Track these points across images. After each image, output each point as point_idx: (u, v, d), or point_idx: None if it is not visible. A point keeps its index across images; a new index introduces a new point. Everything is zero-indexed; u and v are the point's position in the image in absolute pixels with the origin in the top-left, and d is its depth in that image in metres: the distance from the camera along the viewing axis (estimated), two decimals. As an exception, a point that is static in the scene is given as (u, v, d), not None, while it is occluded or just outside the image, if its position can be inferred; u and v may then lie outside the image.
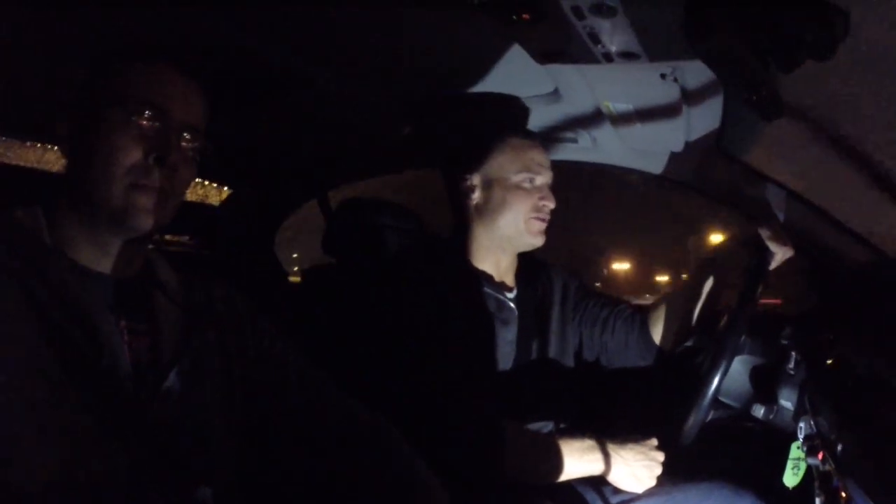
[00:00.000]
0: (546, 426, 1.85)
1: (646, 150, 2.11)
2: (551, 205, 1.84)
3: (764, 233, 1.68)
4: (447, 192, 1.94)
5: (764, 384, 1.72)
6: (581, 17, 1.21)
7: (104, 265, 1.19)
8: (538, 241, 1.85)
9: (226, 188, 2.71)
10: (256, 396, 1.35)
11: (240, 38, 1.43)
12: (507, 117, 1.91)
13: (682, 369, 1.90)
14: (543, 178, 1.85)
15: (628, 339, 1.95)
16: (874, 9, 0.90)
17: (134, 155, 1.14)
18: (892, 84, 1.12)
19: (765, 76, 1.00)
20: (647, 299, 2.68)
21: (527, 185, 1.82)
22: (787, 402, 1.65)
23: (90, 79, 1.20)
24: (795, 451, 1.56)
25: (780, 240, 1.68)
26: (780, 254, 1.68)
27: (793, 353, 1.66)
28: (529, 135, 1.90)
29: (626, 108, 1.76)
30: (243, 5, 1.31)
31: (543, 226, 1.84)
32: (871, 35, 0.95)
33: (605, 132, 2.00)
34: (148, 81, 1.17)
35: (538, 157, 1.85)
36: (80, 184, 1.15)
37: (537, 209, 1.82)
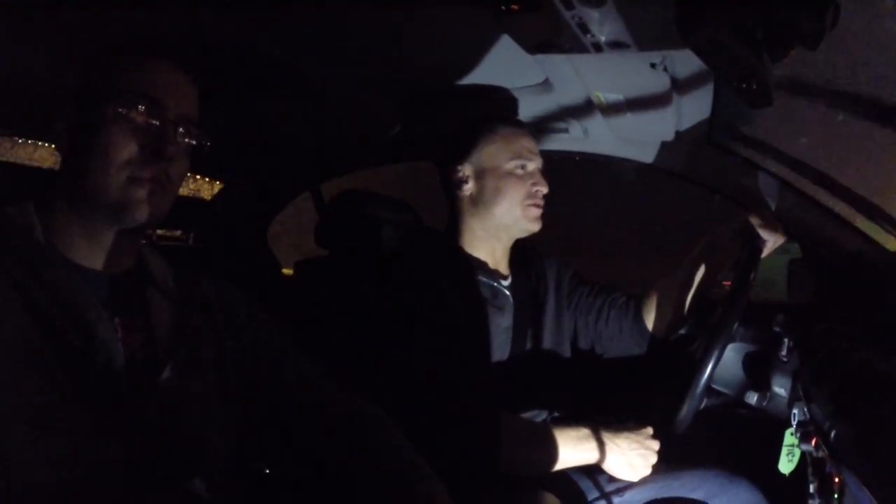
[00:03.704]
0: (541, 415, 1.86)
1: (637, 139, 2.11)
2: (544, 189, 1.85)
3: (756, 221, 1.69)
4: (441, 183, 1.94)
5: (757, 371, 1.73)
6: (570, 6, 1.22)
7: (98, 261, 1.19)
8: (535, 227, 1.86)
9: (218, 182, 2.71)
10: (251, 390, 1.35)
11: (233, 32, 1.42)
12: (496, 107, 1.91)
13: (676, 357, 1.91)
14: (535, 164, 1.86)
15: (622, 326, 1.96)
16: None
17: (130, 148, 1.14)
18: (882, 72, 1.12)
19: (755, 65, 1.00)
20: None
21: (519, 171, 1.83)
22: (780, 389, 1.66)
23: (85, 74, 1.20)
24: (789, 437, 1.56)
25: (772, 228, 1.68)
26: (771, 242, 1.69)
27: (785, 341, 1.67)
28: (518, 123, 1.91)
29: (616, 97, 1.76)
30: (237, 2, 1.30)
31: (540, 211, 1.85)
32: (858, 23, 0.95)
33: (595, 122, 2.00)
34: (142, 75, 1.17)
35: (528, 143, 1.86)
36: (76, 179, 1.15)
37: (531, 195, 1.83)
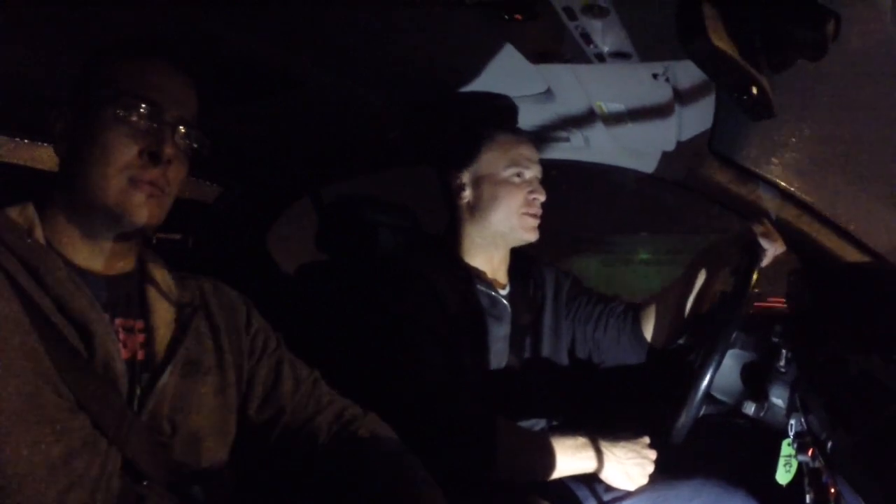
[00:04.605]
0: (538, 423, 1.86)
1: (638, 149, 2.11)
2: (542, 198, 1.85)
3: (756, 230, 1.69)
4: (440, 189, 1.94)
5: (755, 381, 1.73)
6: (573, 17, 1.22)
7: (98, 263, 1.19)
8: (531, 237, 1.86)
9: (218, 185, 2.71)
10: (250, 393, 1.35)
11: (233, 35, 1.43)
12: (495, 114, 1.91)
13: (673, 367, 1.91)
14: (532, 173, 1.86)
15: (620, 336, 1.96)
16: (863, 11, 0.91)
17: (129, 152, 1.14)
18: (882, 84, 1.12)
19: (755, 76, 1.01)
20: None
21: (516, 179, 1.83)
22: (777, 399, 1.66)
23: (83, 75, 1.20)
24: (786, 448, 1.57)
25: (772, 237, 1.69)
26: (771, 251, 1.69)
27: (783, 351, 1.67)
28: (516, 131, 1.91)
29: (618, 107, 1.77)
30: (236, 3, 1.31)
31: (536, 222, 1.85)
32: (860, 36, 0.95)
33: (597, 132, 2.00)
34: (141, 77, 1.17)
35: (526, 151, 1.85)
36: (75, 181, 1.15)
37: (528, 203, 1.83)
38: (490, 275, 1.89)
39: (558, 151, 2.23)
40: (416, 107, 1.95)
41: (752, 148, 1.77)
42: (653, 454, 1.71)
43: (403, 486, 1.26)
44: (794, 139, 1.49)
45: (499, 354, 1.82)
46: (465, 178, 1.86)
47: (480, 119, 1.90)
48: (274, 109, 1.93)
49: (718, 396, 1.78)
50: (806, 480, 1.39)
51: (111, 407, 1.09)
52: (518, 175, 1.83)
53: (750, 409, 1.66)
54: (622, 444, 1.70)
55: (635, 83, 1.56)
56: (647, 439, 1.74)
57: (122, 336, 1.16)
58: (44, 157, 1.95)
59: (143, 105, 1.15)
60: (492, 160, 1.83)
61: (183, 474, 1.18)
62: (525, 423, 1.81)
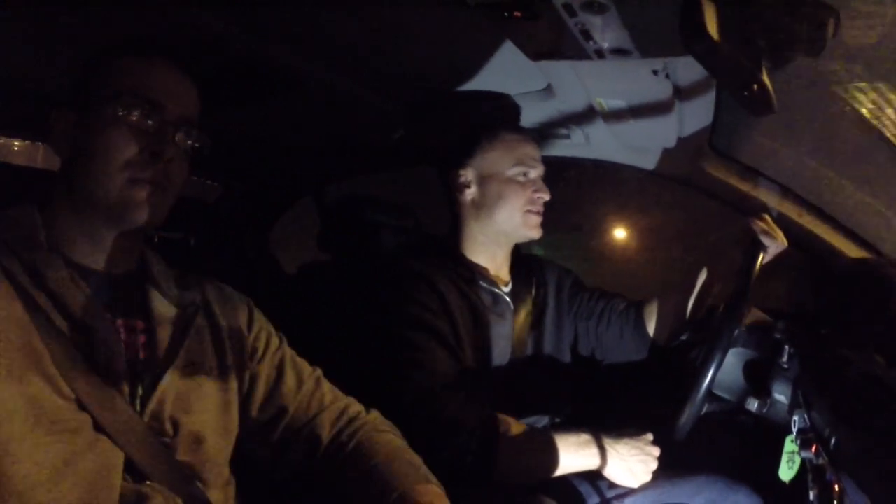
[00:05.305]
0: (541, 420, 1.86)
1: (638, 146, 2.11)
2: (546, 197, 1.85)
3: (757, 227, 1.69)
4: (442, 188, 1.95)
5: (757, 378, 1.72)
6: (573, 14, 1.22)
7: (100, 262, 1.19)
8: (535, 235, 1.87)
9: (220, 185, 2.71)
10: (252, 393, 1.35)
11: (235, 34, 1.43)
12: (499, 113, 1.91)
13: (676, 364, 1.91)
14: (537, 172, 1.87)
15: (623, 332, 1.96)
16: (864, 8, 0.91)
17: (130, 150, 1.14)
18: (884, 77, 1.12)
19: (756, 73, 1.01)
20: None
21: (521, 178, 1.84)
22: (780, 395, 1.66)
23: (83, 75, 1.20)
24: (789, 444, 1.56)
25: (773, 234, 1.69)
26: (772, 248, 1.69)
27: (786, 347, 1.67)
28: (521, 130, 1.92)
29: (618, 104, 1.77)
30: (236, 3, 1.31)
31: (539, 219, 1.86)
32: (861, 33, 0.95)
33: (597, 128, 2.01)
34: (142, 76, 1.17)
35: (531, 150, 1.86)
36: (76, 181, 1.15)
37: (532, 202, 1.84)
38: (493, 272, 1.90)
39: (559, 148, 2.23)
40: (417, 106, 1.95)
41: (753, 144, 1.77)
42: (656, 451, 1.71)
43: (406, 482, 1.26)
44: (795, 135, 1.49)
45: (501, 351, 1.82)
46: (470, 175, 1.86)
47: (484, 117, 1.90)
48: (275, 109, 1.93)
49: (721, 393, 1.77)
50: (809, 477, 1.38)
51: (113, 407, 1.09)
52: (524, 174, 1.84)
53: (753, 405, 1.65)
54: (625, 440, 1.70)
55: (635, 79, 1.56)
56: (650, 436, 1.74)
57: (123, 336, 1.16)
58: (44, 157, 1.95)
59: (144, 104, 1.16)
60: (497, 158, 1.84)
61: (185, 474, 1.18)
62: (528, 421, 1.81)
